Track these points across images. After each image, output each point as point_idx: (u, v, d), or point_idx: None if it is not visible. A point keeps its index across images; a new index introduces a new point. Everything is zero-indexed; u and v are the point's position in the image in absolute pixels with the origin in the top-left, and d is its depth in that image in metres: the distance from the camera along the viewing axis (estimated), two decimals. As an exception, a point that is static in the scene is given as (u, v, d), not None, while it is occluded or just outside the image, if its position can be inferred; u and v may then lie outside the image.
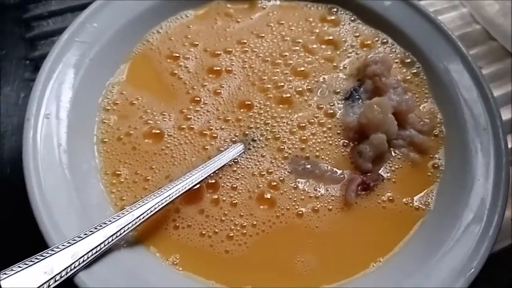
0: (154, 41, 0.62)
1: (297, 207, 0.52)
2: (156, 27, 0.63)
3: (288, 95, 0.59)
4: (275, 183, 0.53)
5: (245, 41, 0.63)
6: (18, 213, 0.49)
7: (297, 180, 0.54)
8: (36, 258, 0.41)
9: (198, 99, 0.58)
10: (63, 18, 0.71)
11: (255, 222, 0.51)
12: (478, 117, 0.57)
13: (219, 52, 0.62)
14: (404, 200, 0.54)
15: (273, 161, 0.55)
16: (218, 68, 0.61)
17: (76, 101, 0.54)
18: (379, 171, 0.55)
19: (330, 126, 0.58)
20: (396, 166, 0.56)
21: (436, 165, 0.56)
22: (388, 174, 0.55)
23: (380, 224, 0.52)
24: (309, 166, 0.55)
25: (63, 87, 0.54)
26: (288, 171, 0.54)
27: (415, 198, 0.54)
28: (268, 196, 0.53)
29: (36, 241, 0.44)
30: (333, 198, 0.53)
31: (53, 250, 0.42)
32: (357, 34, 0.65)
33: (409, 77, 0.62)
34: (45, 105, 0.52)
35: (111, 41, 0.59)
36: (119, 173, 0.53)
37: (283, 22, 0.66)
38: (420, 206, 0.54)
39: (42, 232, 0.45)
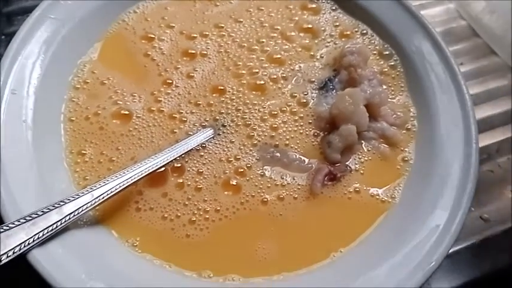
0: (129, 21, 0.62)
1: (262, 194, 0.52)
2: (133, 7, 0.63)
3: (262, 82, 0.59)
4: (242, 170, 0.53)
5: (222, 25, 0.63)
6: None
7: (265, 167, 0.54)
8: (-11, 233, 0.41)
9: (170, 81, 0.58)
10: (41, -6, 0.70)
11: (218, 208, 0.51)
12: (451, 113, 0.56)
13: (195, 35, 0.62)
14: (370, 192, 0.54)
15: (242, 147, 0.55)
16: (193, 51, 0.60)
17: (45, 78, 0.54)
18: (348, 163, 0.55)
19: (301, 115, 0.57)
20: (365, 158, 0.56)
21: (406, 159, 0.56)
22: (357, 166, 0.55)
23: (344, 215, 0.52)
24: (277, 154, 0.54)
25: (32, 64, 0.54)
26: (256, 159, 0.54)
27: (382, 190, 0.54)
28: (234, 182, 0.52)
29: (-8, 216, 0.44)
30: (299, 187, 0.53)
31: (7, 226, 0.42)
32: (337, 24, 0.65)
33: (386, 69, 0.62)
34: (12, 81, 0.52)
35: (85, 19, 0.58)
36: (84, 152, 0.53)
37: (262, 8, 0.65)
38: (386, 198, 0.53)
39: (-1, 207, 0.44)
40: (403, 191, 0.54)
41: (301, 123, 0.57)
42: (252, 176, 0.53)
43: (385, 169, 0.55)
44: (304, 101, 0.58)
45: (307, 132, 0.56)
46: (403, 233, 0.50)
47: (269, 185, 0.53)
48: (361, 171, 0.55)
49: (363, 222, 0.52)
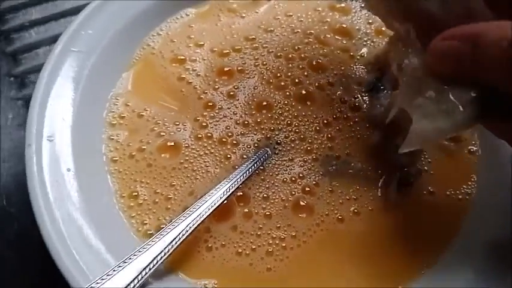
0: (155, 45, 0.56)
1: (336, 211, 0.47)
2: (156, 30, 0.57)
3: (308, 91, 0.54)
4: (309, 189, 0.48)
5: (253, 37, 0.58)
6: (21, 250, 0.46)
7: (332, 182, 0.49)
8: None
9: (212, 104, 0.53)
10: (46, 27, 0.63)
11: (294, 234, 0.46)
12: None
13: (228, 51, 0.57)
14: (445, 192, 0.50)
15: (303, 164, 0.50)
16: (229, 68, 0.55)
17: (79, 118, 0.48)
18: (416, 165, 0.51)
19: (356, 119, 0.53)
20: (432, 157, 0.52)
21: (472, 151, 0.53)
22: (425, 167, 0.51)
23: (426, 221, 0.48)
24: (341, 166, 0.50)
25: (63, 104, 0.48)
26: (320, 174, 0.49)
27: (457, 188, 0.50)
28: (304, 203, 0.48)
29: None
30: (372, 198, 0.49)
31: (81, 293, 0.36)
32: (370, 21, 0.61)
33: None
34: (47, 127, 0.46)
35: (109, 48, 0.53)
36: (136, 194, 0.47)
37: (291, 14, 0.60)
38: (462, 196, 0.50)
39: (63, 272, 0.39)
40: (478, 186, 0.50)
41: (357, 128, 0.53)
42: (321, 194, 0.48)
43: (453, 165, 0.52)
44: (356, 104, 0.54)
45: (365, 137, 0.52)
46: (490, 233, 0.46)
47: (341, 201, 0.48)
48: (431, 172, 0.51)
49: (448, 225, 0.48)
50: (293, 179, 0.49)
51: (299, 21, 0.60)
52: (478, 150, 0.53)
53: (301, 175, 0.49)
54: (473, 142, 0.53)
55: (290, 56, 0.57)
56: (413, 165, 0.50)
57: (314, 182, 0.49)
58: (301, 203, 0.48)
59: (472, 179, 0.51)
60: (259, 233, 0.46)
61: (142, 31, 0.56)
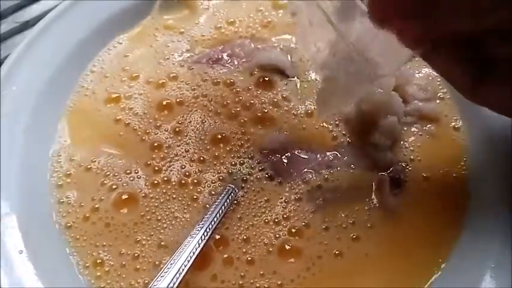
0: (89, 84, 0.64)
1: (332, 249, 0.52)
2: (89, 67, 0.64)
3: (265, 111, 0.60)
4: (295, 230, 0.53)
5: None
6: None
7: (325, 218, 0.54)
8: None
9: (158, 144, 0.59)
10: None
11: (279, 282, 0.51)
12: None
13: (164, 80, 0.64)
14: (440, 175, 0.57)
15: (286, 205, 0.54)
16: (167, 101, 0.62)
17: (21, 188, 0.53)
18: (401, 158, 0.57)
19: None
20: (415, 145, 0.59)
21: (456, 127, 0.61)
22: (412, 156, 0.58)
23: (430, 215, 0.54)
24: (328, 194, 0.55)
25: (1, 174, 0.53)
26: (311, 212, 0.54)
27: (450, 169, 0.57)
28: (290, 246, 0.52)
29: None
30: (370, 213, 0.54)
31: None
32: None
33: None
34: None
35: (40, 102, 0.58)
36: (101, 261, 0.53)
37: (232, 20, 0.67)
38: (457, 175, 0.57)
39: None
40: (471, 160, 0.57)
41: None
42: (313, 235, 0.53)
43: (441, 146, 0.60)
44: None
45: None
46: (497, 208, 0.53)
47: (338, 236, 0.53)
48: (419, 159, 0.58)
49: (453, 212, 0.54)
50: (276, 220, 0.54)
51: (246, 28, 0.66)
52: (462, 125, 0.60)
53: (285, 216, 0.55)
54: (455, 118, 0.61)
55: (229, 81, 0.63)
56: (396, 161, 0.56)
57: (304, 223, 0.54)
58: (287, 247, 0.52)
59: (465, 156, 0.57)
60: (241, 282, 0.52)
61: (74, 72, 0.63)
